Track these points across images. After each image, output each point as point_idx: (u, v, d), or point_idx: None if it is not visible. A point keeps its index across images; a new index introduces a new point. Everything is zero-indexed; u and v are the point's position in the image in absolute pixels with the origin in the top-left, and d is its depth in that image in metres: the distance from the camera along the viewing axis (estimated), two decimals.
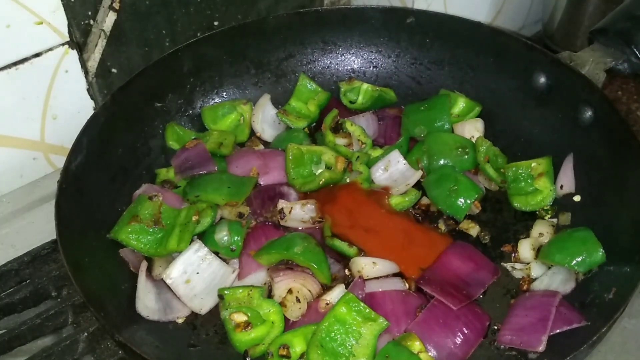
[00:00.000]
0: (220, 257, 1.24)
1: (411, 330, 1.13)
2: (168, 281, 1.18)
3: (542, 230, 1.30)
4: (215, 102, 1.54)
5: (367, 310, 1.12)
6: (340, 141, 1.45)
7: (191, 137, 1.45)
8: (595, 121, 1.33)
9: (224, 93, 1.55)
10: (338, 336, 1.10)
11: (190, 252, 1.20)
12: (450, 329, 1.13)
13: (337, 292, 1.18)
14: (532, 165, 1.36)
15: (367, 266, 1.22)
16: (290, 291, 1.18)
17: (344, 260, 1.26)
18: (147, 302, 1.18)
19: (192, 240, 1.25)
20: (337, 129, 1.49)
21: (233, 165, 1.41)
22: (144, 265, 1.21)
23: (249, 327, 1.14)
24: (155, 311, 1.18)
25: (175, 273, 1.18)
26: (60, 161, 1.46)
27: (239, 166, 1.41)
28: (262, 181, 1.40)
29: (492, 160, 1.40)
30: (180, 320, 1.20)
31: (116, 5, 1.44)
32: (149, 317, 1.17)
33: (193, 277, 1.19)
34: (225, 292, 1.16)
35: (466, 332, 1.13)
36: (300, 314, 1.18)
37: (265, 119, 1.52)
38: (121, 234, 1.23)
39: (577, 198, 1.33)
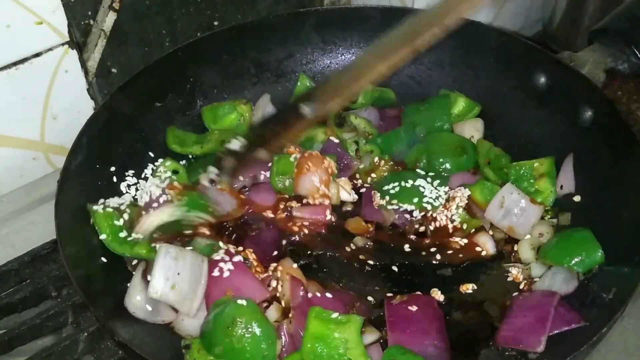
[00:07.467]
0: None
1: (395, 342, 1.12)
2: (155, 296, 1.13)
3: (542, 230, 1.30)
4: (215, 102, 1.54)
5: (336, 315, 1.08)
6: (347, 135, 1.46)
7: (192, 140, 1.46)
8: (595, 121, 1.33)
9: (224, 93, 1.55)
10: (325, 352, 1.05)
11: (161, 258, 1.15)
12: (418, 332, 1.12)
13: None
14: (535, 165, 1.36)
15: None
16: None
17: None
18: (134, 300, 1.16)
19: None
20: (342, 123, 1.49)
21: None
22: (141, 265, 1.21)
23: None
24: (142, 310, 1.15)
25: (159, 285, 1.13)
26: (60, 161, 1.46)
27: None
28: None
29: (496, 160, 1.40)
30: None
31: (116, 5, 1.44)
32: (135, 314, 1.15)
33: (176, 279, 1.14)
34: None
35: (429, 323, 1.13)
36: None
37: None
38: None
39: (577, 198, 1.33)
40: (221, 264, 1.18)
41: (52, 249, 1.27)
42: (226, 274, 1.17)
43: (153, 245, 1.23)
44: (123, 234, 1.24)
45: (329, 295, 1.16)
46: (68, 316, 1.20)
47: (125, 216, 1.25)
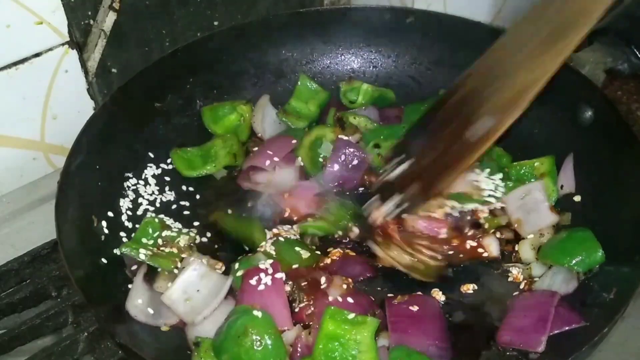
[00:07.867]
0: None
1: (396, 343, 1.12)
2: (167, 302, 1.13)
3: (542, 230, 1.30)
4: (215, 103, 1.54)
5: (353, 316, 1.07)
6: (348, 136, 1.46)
7: (196, 154, 1.45)
8: (595, 121, 1.33)
9: (224, 93, 1.55)
10: (337, 352, 1.04)
11: (188, 271, 1.15)
12: (420, 332, 1.12)
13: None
14: (535, 164, 1.36)
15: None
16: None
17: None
18: (136, 304, 1.15)
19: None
20: (342, 126, 1.49)
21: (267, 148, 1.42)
22: (142, 268, 1.20)
23: None
24: (144, 313, 1.15)
25: (176, 295, 1.13)
26: (60, 161, 1.46)
27: (273, 151, 1.41)
28: None
29: (497, 160, 1.40)
30: (165, 328, 1.16)
31: (116, 5, 1.44)
32: (137, 317, 1.15)
33: (194, 295, 1.14)
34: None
35: (430, 323, 1.13)
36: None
37: (265, 119, 1.52)
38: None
39: (577, 198, 1.33)
40: (262, 275, 1.14)
41: (52, 249, 1.27)
42: (261, 287, 1.13)
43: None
44: (147, 241, 1.24)
45: (350, 300, 1.15)
46: (68, 316, 1.20)
47: (165, 233, 1.25)
